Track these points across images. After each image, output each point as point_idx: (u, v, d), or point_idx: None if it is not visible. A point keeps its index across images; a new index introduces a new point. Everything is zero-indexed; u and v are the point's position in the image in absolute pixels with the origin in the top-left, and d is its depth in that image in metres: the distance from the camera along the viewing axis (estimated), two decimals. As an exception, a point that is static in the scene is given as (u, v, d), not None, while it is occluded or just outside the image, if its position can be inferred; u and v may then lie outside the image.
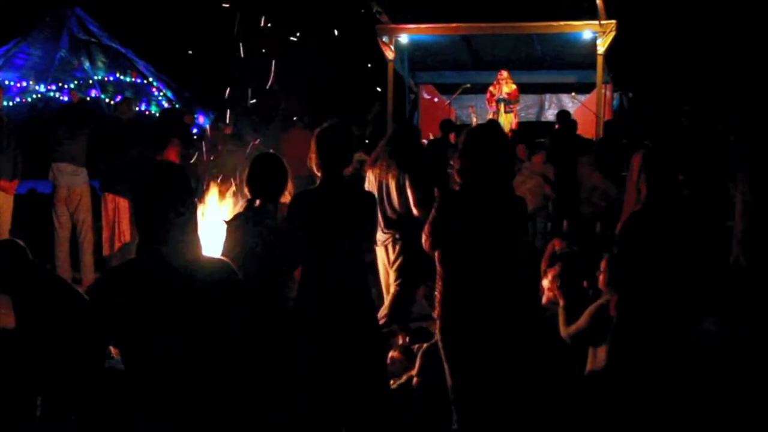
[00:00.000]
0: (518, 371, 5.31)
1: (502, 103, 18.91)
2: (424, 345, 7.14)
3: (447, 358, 5.36)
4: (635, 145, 10.12)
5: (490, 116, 18.69)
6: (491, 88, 19.23)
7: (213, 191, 7.56)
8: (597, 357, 5.92)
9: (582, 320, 6.17)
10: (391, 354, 7.44)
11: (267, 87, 11.88)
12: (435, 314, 5.46)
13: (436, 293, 5.45)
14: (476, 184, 5.27)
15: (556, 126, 14.31)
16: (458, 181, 5.37)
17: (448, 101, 19.73)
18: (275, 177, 5.69)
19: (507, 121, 18.60)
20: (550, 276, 6.89)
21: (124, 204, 11.31)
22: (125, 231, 11.32)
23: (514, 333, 5.27)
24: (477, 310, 5.20)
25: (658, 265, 5.36)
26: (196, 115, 19.49)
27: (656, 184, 5.43)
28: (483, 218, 5.22)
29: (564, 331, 6.42)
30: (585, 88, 20.52)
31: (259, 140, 11.16)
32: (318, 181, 5.57)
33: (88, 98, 19.27)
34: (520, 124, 19.68)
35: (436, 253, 5.39)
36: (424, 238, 5.39)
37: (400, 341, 7.88)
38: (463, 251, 5.25)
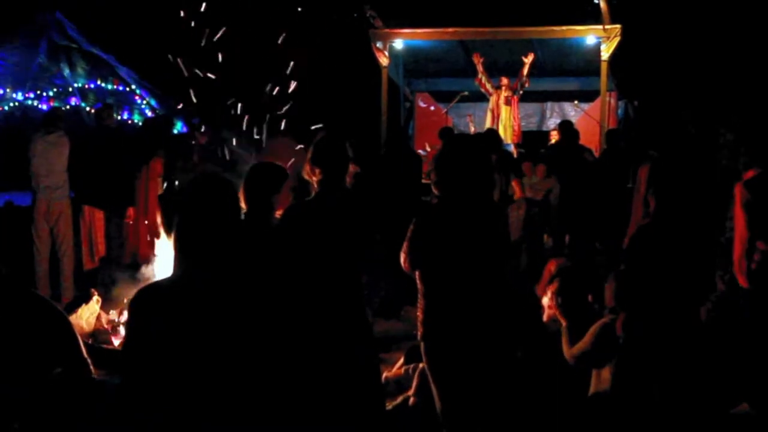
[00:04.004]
0: (510, 393, 5.29)
1: (503, 88, 18.65)
2: (420, 365, 7.19)
3: (434, 380, 5.34)
4: (641, 156, 10.16)
5: (491, 98, 18.58)
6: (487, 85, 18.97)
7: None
8: (601, 378, 5.94)
9: (586, 340, 6.16)
10: (385, 374, 7.49)
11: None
12: (418, 335, 5.41)
13: (418, 313, 5.39)
14: (454, 196, 5.25)
15: (558, 136, 14.33)
16: (436, 194, 5.36)
17: (445, 110, 19.69)
18: (271, 187, 5.73)
19: (508, 115, 18.45)
20: (549, 293, 6.92)
21: (99, 216, 11.38)
22: (100, 244, 11.41)
23: (504, 352, 5.26)
24: (462, 329, 5.17)
25: (668, 282, 5.33)
26: (180, 124, 19.52)
27: (666, 196, 5.45)
28: (463, 232, 5.20)
29: (567, 352, 6.41)
30: (588, 96, 20.51)
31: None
32: (313, 192, 5.61)
33: (68, 106, 19.30)
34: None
35: (416, 272, 5.35)
36: (402, 257, 5.35)
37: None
38: (444, 268, 5.22)
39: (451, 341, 5.19)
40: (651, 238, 5.47)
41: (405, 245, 5.35)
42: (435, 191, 5.34)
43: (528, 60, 18.38)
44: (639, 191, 5.70)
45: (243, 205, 5.76)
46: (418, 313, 5.37)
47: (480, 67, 18.70)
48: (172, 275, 3.62)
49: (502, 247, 5.41)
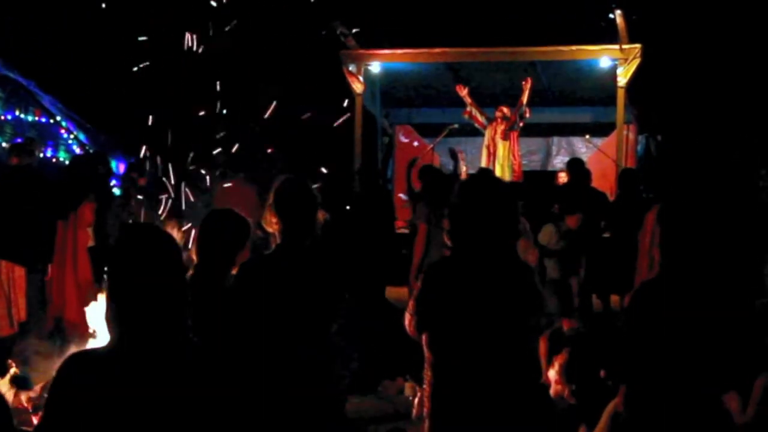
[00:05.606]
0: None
1: (500, 120, 18.59)
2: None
3: None
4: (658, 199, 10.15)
5: (486, 132, 18.53)
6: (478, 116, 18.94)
7: None
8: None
9: (601, 425, 6.18)
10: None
11: None
12: (424, 412, 5.36)
13: (424, 386, 5.36)
14: (471, 249, 5.22)
15: (566, 177, 14.43)
16: (449, 245, 5.33)
17: (432, 145, 19.57)
18: (230, 239, 5.78)
19: (505, 153, 18.41)
20: (556, 365, 6.92)
21: (20, 273, 11.32)
22: (21, 307, 11.31)
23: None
24: (476, 406, 5.11)
25: (673, 350, 5.22)
26: (115, 163, 19.56)
27: (674, 247, 5.37)
28: (480, 291, 5.13)
29: None
30: (602, 129, 20.57)
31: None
32: (274, 246, 5.66)
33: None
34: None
35: (423, 336, 5.29)
36: (407, 318, 5.33)
37: None
38: (456, 333, 5.16)
39: (462, 421, 5.15)
40: (653, 297, 5.36)
41: (410, 304, 5.34)
42: (447, 242, 5.34)
43: (527, 86, 18.42)
44: (644, 241, 5.60)
45: (194, 257, 5.80)
46: (425, 386, 5.35)
47: (468, 99, 18.73)
48: (108, 344, 3.64)
49: (527, 311, 5.29)
